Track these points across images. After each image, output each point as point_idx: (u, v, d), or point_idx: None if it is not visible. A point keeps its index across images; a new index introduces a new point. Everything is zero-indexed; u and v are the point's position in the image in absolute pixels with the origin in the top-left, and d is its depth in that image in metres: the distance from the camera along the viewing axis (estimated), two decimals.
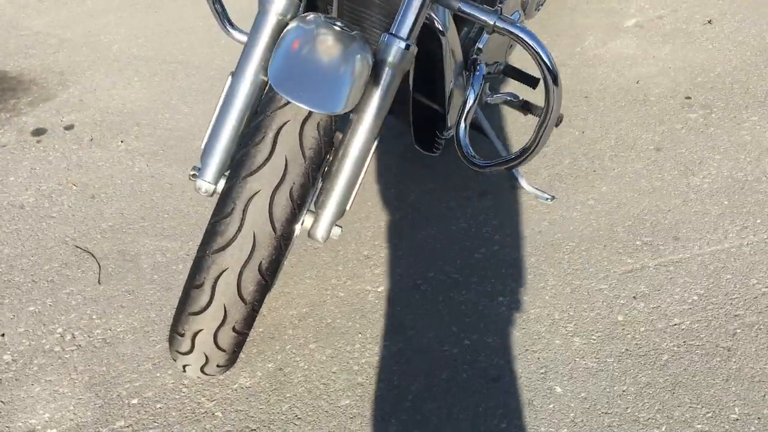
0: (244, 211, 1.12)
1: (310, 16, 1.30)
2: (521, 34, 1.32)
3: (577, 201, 1.97)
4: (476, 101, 1.75)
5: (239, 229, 1.12)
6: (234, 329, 1.20)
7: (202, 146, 1.37)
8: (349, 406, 1.50)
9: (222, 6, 1.77)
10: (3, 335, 1.62)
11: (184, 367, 1.31)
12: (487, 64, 1.78)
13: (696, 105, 2.29)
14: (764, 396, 1.48)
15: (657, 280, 1.73)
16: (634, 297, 1.69)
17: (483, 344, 1.61)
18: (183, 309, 1.20)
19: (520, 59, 2.43)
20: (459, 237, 1.88)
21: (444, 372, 1.56)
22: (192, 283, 1.17)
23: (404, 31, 1.32)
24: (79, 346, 1.60)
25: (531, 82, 1.78)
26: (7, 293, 1.73)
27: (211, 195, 1.44)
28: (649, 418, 1.45)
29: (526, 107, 1.87)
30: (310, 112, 1.17)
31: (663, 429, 1.43)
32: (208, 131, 1.37)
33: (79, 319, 1.67)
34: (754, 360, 1.54)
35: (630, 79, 2.42)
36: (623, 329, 1.62)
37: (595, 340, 1.61)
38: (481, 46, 1.76)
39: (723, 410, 1.45)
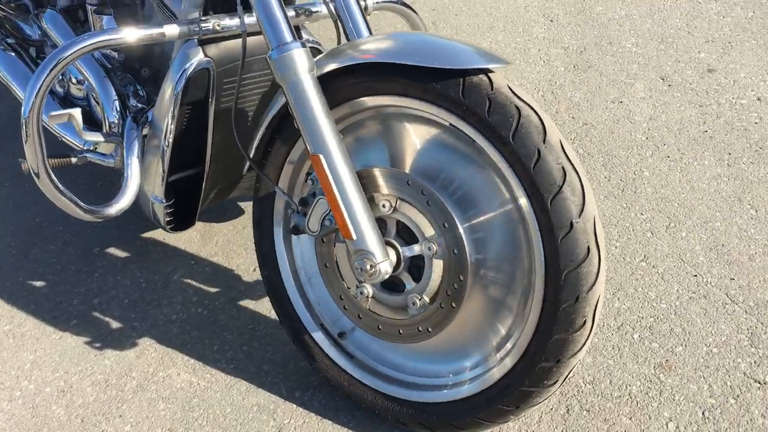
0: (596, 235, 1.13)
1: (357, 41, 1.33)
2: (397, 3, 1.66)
3: None
4: None
5: (599, 261, 1.14)
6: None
7: (354, 238, 1.23)
8: None
9: (69, 193, 1.45)
10: None
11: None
12: None
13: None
14: None
15: None
16: None
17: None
18: (558, 355, 1.19)
19: None
20: None
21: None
22: (573, 328, 1.16)
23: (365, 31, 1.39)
24: None
25: None
26: None
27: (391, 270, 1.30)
28: None
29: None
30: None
31: None
32: (348, 221, 1.23)
33: None
34: None
35: None
36: None
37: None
38: None
39: None
